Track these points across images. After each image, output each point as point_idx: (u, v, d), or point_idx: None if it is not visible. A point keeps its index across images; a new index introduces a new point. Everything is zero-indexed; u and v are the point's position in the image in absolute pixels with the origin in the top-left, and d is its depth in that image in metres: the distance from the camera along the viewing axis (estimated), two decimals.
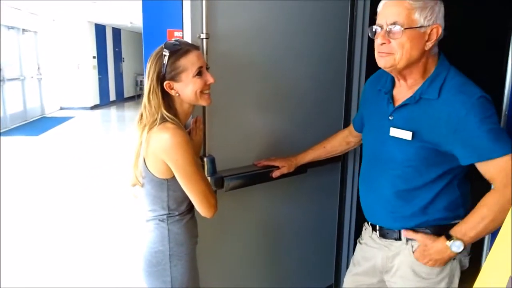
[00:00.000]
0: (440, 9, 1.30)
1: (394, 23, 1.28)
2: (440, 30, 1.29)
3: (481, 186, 1.36)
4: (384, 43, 1.30)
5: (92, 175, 5.83)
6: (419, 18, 1.27)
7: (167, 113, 1.36)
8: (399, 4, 1.28)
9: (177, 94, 1.39)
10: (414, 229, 1.41)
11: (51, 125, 9.68)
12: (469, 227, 1.29)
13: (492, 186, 1.30)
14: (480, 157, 1.26)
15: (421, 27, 1.27)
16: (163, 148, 1.32)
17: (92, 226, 4.11)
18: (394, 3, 1.30)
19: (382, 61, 1.34)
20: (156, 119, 1.35)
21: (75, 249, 3.64)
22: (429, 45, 1.30)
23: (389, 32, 1.29)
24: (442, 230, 1.35)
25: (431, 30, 1.28)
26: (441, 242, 1.33)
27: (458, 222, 1.33)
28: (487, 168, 1.27)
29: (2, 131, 8.75)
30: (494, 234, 1.30)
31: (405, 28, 1.26)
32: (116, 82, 14.37)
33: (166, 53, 1.34)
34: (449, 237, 1.31)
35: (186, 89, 1.38)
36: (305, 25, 1.94)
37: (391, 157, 1.41)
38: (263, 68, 1.84)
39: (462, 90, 1.28)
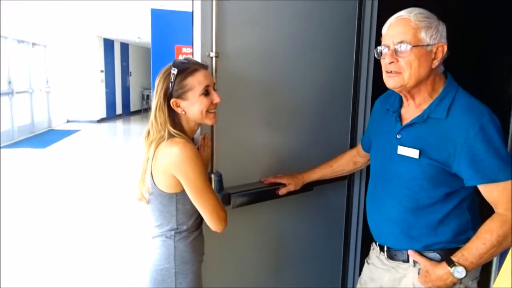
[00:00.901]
0: (443, 29, 1.32)
1: (401, 42, 1.30)
2: (445, 49, 1.31)
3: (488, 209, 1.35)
4: (392, 62, 1.32)
5: (98, 188, 5.85)
6: (425, 36, 1.29)
7: (173, 130, 1.37)
8: (405, 24, 1.30)
9: (183, 112, 1.40)
10: (421, 252, 1.40)
11: (57, 138, 9.75)
12: (471, 253, 1.28)
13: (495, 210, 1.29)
14: (485, 179, 1.26)
15: (427, 45, 1.29)
16: (173, 162, 1.33)
17: (98, 240, 4.11)
18: (400, 22, 1.32)
19: (391, 82, 1.35)
20: (163, 136, 1.36)
21: (81, 262, 3.63)
22: (435, 63, 1.32)
23: (396, 51, 1.31)
24: (451, 253, 1.33)
25: (437, 49, 1.30)
26: (443, 268, 1.32)
27: None
28: (491, 191, 1.27)
29: (9, 143, 8.82)
30: (502, 255, 1.29)
31: (413, 46, 1.28)
32: (123, 95, 14.50)
33: (174, 71, 1.36)
34: (451, 263, 1.30)
35: (192, 107, 1.39)
36: (313, 43, 1.96)
37: (399, 175, 1.41)
38: (271, 86, 1.86)
39: (470, 111, 1.29)
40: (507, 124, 1.57)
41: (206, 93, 1.40)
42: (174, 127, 1.38)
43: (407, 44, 1.28)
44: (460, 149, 1.27)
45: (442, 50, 1.31)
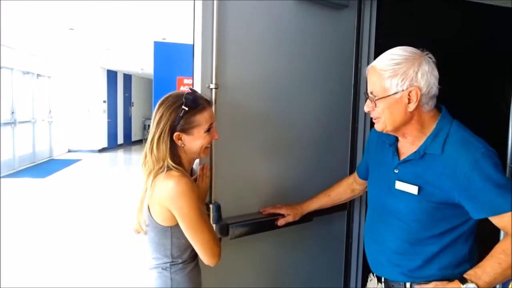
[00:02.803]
0: (418, 70, 1.29)
1: (371, 93, 1.35)
2: (419, 92, 1.29)
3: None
4: (370, 111, 1.37)
5: (98, 218, 5.80)
6: (390, 86, 1.31)
7: (172, 163, 1.37)
8: (373, 73, 1.35)
9: (183, 145, 1.41)
10: (419, 284, 1.38)
11: (58, 167, 9.75)
12: (485, 271, 1.25)
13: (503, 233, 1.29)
14: (491, 212, 1.26)
15: (395, 93, 1.31)
16: (168, 196, 1.33)
17: (97, 270, 4.05)
18: (370, 71, 1.37)
19: (376, 126, 1.41)
20: (161, 166, 1.37)
21: None
22: (412, 106, 1.31)
23: (371, 101, 1.36)
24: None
25: (410, 93, 1.30)
26: (455, 285, 1.29)
27: None
28: (500, 220, 1.26)
29: (10, 172, 8.82)
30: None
31: (380, 98, 1.32)
32: (124, 125, 14.60)
33: (186, 107, 1.36)
34: (463, 280, 1.27)
35: (194, 142, 1.41)
36: (311, 74, 2.00)
37: (397, 210, 1.41)
38: (270, 117, 1.88)
39: (465, 145, 1.30)
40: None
41: (208, 130, 1.43)
42: (173, 160, 1.38)
43: (375, 96, 1.34)
44: (460, 184, 1.26)
45: (416, 93, 1.29)
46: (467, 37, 2.26)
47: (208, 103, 1.46)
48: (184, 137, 1.40)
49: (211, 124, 1.43)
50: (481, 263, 1.28)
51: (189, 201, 1.33)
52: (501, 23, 2.20)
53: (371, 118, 2.18)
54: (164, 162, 1.37)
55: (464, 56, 2.22)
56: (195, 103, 1.38)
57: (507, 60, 2.19)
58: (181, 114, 1.37)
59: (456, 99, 1.62)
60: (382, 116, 1.35)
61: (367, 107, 1.38)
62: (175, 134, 1.38)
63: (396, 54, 1.32)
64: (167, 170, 1.35)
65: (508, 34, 2.16)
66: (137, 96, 15.64)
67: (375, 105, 1.34)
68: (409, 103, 1.31)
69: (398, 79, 1.29)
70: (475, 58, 2.26)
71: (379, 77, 1.32)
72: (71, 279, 3.86)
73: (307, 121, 2.02)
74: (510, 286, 1.07)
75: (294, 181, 2.00)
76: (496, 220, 1.27)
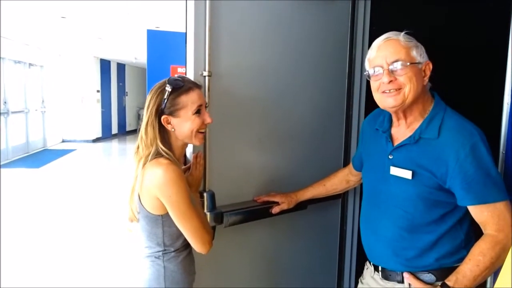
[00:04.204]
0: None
1: (396, 61, 1.31)
2: (431, 66, 1.35)
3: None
4: (391, 81, 1.32)
5: (93, 208, 5.80)
6: (416, 55, 1.33)
7: (162, 147, 1.36)
8: (396, 44, 1.33)
9: (173, 130, 1.39)
10: (416, 273, 1.39)
11: (52, 158, 9.71)
12: (466, 275, 1.27)
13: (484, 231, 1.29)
14: (475, 200, 1.27)
15: (418, 63, 1.33)
16: (156, 184, 1.32)
17: (90, 260, 4.06)
18: (390, 43, 1.34)
19: (390, 101, 1.34)
20: (150, 152, 1.36)
21: (76, 281, 3.58)
22: (426, 80, 1.35)
23: (392, 70, 1.32)
24: (446, 273, 1.32)
25: (425, 66, 1.35)
26: None
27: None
28: (481, 212, 1.27)
29: (3, 163, 8.77)
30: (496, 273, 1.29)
31: (410, 63, 1.31)
32: (118, 115, 14.54)
33: (169, 88, 1.36)
34: (445, 287, 1.28)
35: (183, 126, 1.39)
36: (305, 63, 1.99)
37: (392, 196, 1.41)
38: (264, 105, 1.87)
39: (460, 132, 1.30)
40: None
41: (198, 112, 1.40)
42: (163, 144, 1.37)
43: (403, 62, 1.31)
44: (452, 170, 1.28)
45: (429, 68, 1.36)
46: (462, 24, 2.25)
47: (196, 85, 1.43)
48: (172, 120, 1.38)
49: (200, 106, 1.40)
50: (460, 267, 1.29)
51: (178, 189, 1.32)
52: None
53: (365, 106, 2.21)
54: (153, 146, 1.36)
55: (458, 41, 2.21)
56: (178, 84, 1.37)
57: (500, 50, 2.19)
58: (166, 96, 1.36)
59: (448, 85, 1.62)
60: (408, 84, 1.31)
61: (388, 76, 1.31)
62: (163, 117, 1.37)
63: (401, 33, 1.35)
64: (156, 158, 1.34)
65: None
66: (131, 85, 15.54)
67: (406, 71, 1.31)
68: (424, 76, 1.35)
69: (420, 50, 1.34)
70: (469, 45, 2.26)
71: (405, 46, 1.32)
72: (67, 269, 3.87)
73: (301, 109, 2.01)
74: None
75: (288, 170, 2.00)
76: (477, 211, 1.28)
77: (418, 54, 1.33)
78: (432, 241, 1.36)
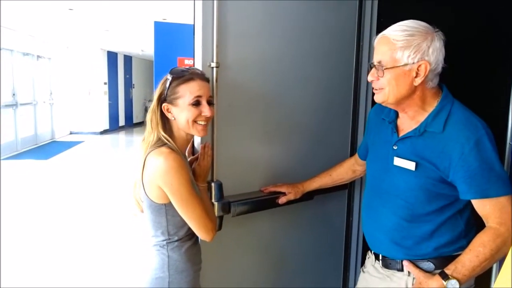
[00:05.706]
0: (430, 45, 1.29)
1: (379, 62, 1.32)
2: (428, 66, 1.29)
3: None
4: (373, 80, 1.35)
5: (100, 199, 5.86)
6: (401, 57, 1.29)
7: (163, 133, 1.38)
8: (385, 43, 1.33)
9: (173, 118, 1.41)
10: (415, 261, 1.41)
11: (60, 149, 9.80)
12: (465, 265, 1.28)
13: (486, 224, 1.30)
14: (478, 194, 1.28)
15: (405, 65, 1.30)
16: (158, 173, 1.33)
17: (100, 250, 4.11)
18: (381, 41, 1.35)
19: (376, 96, 1.39)
20: (153, 139, 1.38)
21: (83, 271, 3.64)
22: (418, 81, 1.31)
23: (377, 70, 1.33)
24: (445, 261, 1.34)
25: (419, 67, 1.29)
26: (436, 281, 1.31)
27: (460, 254, 1.32)
28: (483, 205, 1.28)
29: (12, 154, 8.87)
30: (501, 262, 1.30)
31: (388, 68, 1.30)
32: (126, 107, 14.58)
33: (170, 77, 1.39)
34: (444, 276, 1.30)
35: (180, 115, 1.40)
36: (313, 54, 1.99)
37: (395, 186, 1.42)
38: (271, 96, 1.88)
39: (466, 125, 1.30)
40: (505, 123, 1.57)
41: (196, 103, 1.40)
42: (164, 131, 1.40)
43: (384, 65, 1.31)
44: (456, 163, 1.28)
45: (425, 68, 1.29)
46: (470, 18, 2.23)
47: (199, 76, 1.43)
48: (172, 109, 1.40)
49: (199, 97, 1.40)
50: (460, 257, 1.30)
51: (179, 177, 1.33)
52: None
53: (372, 98, 2.21)
54: (155, 132, 1.39)
55: (466, 35, 2.19)
56: (179, 73, 1.39)
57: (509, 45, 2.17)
58: (167, 85, 1.39)
59: (457, 78, 1.61)
60: (386, 87, 1.33)
61: (371, 76, 1.36)
62: (163, 105, 1.40)
63: (410, 26, 1.31)
64: (158, 147, 1.36)
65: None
66: (138, 78, 15.56)
67: (383, 74, 1.32)
68: (416, 77, 1.31)
69: (411, 51, 1.28)
70: (478, 38, 2.24)
71: (390, 46, 1.30)
72: (74, 260, 3.92)
73: (308, 100, 2.02)
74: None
75: (295, 161, 2.01)
76: (480, 205, 1.29)
77: (406, 55, 1.28)
78: (431, 230, 1.38)
